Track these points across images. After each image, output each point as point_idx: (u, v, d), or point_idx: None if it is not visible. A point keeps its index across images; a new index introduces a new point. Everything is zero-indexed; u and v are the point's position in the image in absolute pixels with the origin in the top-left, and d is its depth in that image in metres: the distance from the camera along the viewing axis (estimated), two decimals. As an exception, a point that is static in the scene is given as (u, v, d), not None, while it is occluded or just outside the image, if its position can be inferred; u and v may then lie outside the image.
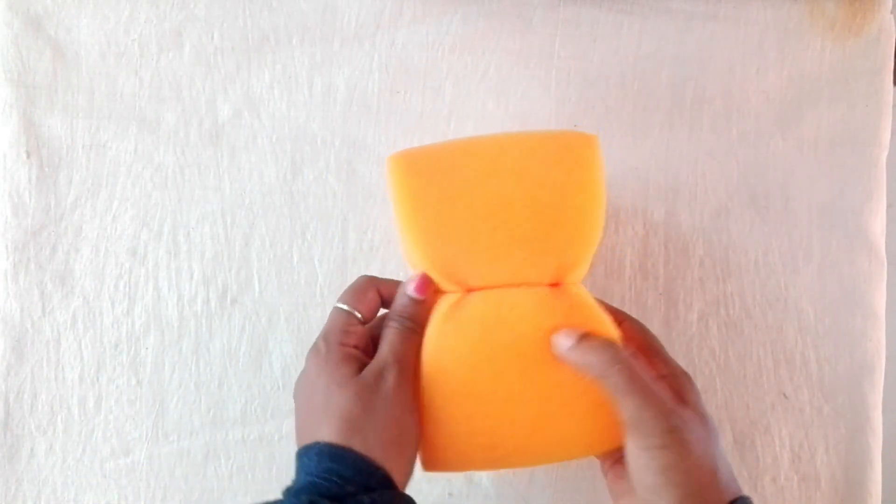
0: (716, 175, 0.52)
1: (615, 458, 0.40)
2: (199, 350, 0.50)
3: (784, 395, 0.52)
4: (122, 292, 0.50)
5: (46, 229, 0.50)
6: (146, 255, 0.50)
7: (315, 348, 0.39)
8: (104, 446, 0.50)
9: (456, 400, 0.38)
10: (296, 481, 0.36)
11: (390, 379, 0.37)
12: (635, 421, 0.36)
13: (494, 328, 0.39)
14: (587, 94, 0.52)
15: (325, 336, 0.39)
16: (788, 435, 0.52)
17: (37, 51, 0.50)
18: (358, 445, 0.35)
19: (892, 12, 0.53)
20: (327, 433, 0.36)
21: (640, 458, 0.36)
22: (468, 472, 0.51)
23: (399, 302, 0.40)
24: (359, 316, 0.40)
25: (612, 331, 0.39)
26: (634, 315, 0.43)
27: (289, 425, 0.50)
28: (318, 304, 0.51)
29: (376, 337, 0.40)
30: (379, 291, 0.41)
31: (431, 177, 0.39)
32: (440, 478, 0.50)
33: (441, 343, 0.39)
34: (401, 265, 0.51)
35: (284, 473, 0.50)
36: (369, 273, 0.43)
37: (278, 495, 0.35)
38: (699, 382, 0.51)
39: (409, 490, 0.36)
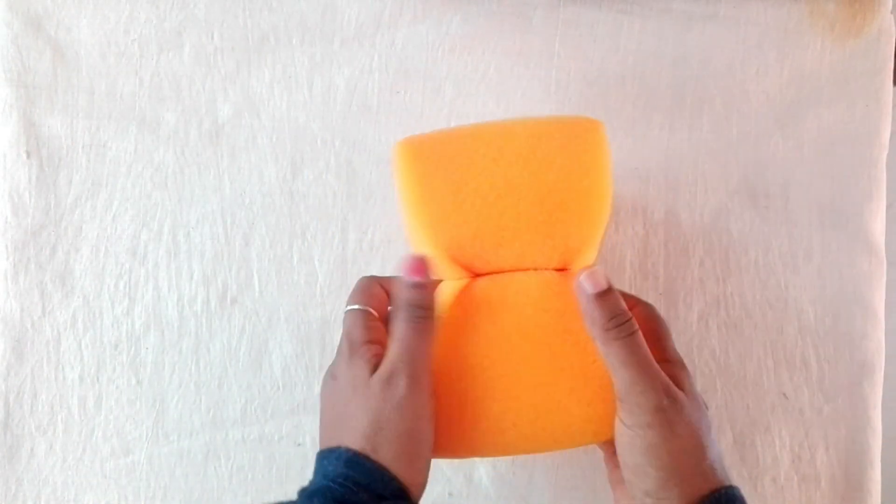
0: (716, 175, 0.52)
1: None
2: (199, 350, 0.50)
3: (784, 395, 0.52)
4: (122, 292, 0.50)
5: (46, 229, 0.50)
6: (146, 255, 0.50)
7: (339, 349, 0.38)
8: (104, 446, 0.50)
9: (463, 384, 0.38)
10: (312, 482, 0.35)
11: (402, 385, 0.36)
12: (625, 395, 0.36)
13: (501, 312, 0.39)
14: (587, 94, 0.52)
15: (348, 335, 0.38)
16: (788, 435, 0.52)
17: (37, 51, 0.50)
18: (373, 454, 0.35)
19: (892, 12, 0.53)
20: (349, 439, 0.35)
21: (625, 435, 0.36)
22: (468, 472, 0.51)
23: (401, 293, 0.38)
24: (373, 313, 0.39)
25: None
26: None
27: (289, 425, 0.50)
28: (318, 304, 0.51)
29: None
30: (383, 287, 0.41)
31: (438, 162, 0.39)
32: (440, 477, 0.50)
33: (448, 328, 0.39)
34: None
35: (284, 473, 0.50)
36: (369, 273, 0.43)
37: (278, 495, 0.35)
38: (699, 382, 0.52)
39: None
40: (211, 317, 0.51)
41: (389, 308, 0.41)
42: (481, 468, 0.51)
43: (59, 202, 0.50)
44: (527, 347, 0.38)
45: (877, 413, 0.52)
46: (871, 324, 0.53)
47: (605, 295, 0.37)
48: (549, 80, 0.52)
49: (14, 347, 0.50)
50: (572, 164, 0.39)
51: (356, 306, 0.39)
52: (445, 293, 0.40)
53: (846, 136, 0.53)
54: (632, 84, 0.52)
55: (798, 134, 0.53)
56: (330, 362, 0.40)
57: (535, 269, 0.40)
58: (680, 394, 0.36)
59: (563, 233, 0.39)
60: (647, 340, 0.39)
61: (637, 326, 0.37)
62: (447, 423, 0.38)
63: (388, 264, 0.51)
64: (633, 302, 0.41)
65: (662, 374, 0.37)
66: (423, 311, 0.38)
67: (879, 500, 0.52)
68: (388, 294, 0.41)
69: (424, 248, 0.40)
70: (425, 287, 0.38)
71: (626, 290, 0.51)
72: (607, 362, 0.37)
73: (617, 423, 0.37)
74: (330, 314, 0.51)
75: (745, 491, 0.36)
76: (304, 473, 0.42)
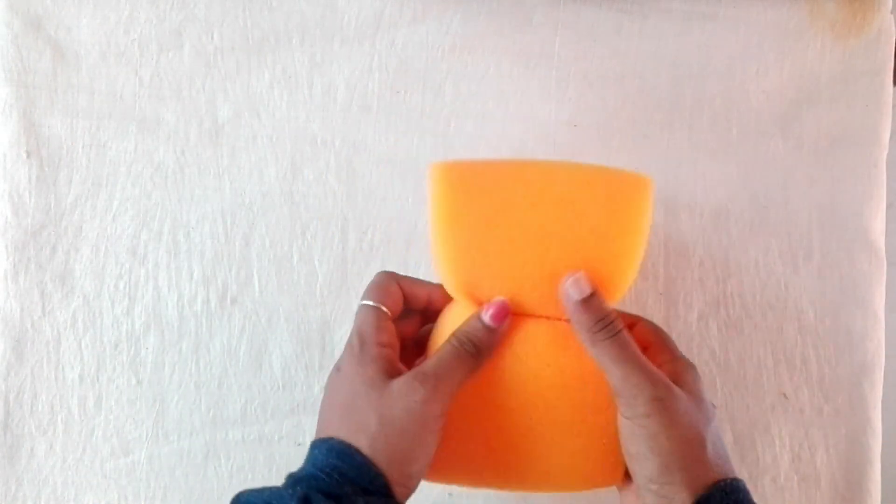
0: (716, 175, 0.52)
1: None
2: (199, 350, 0.50)
3: (784, 395, 0.52)
4: (122, 292, 0.50)
5: (46, 229, 0.50)
6: (146, 255, 0.50)
7: (349, 344, 0.38)
8: (104, 446, 0.50)
9: (462, 417, 0.38)
10: (300, 469, 0.36)
11: (421, 393, 0.36)
12: (621, 390, 0.36)
13: (504, 357, 0.38)
14: (587, 94, 0.52)
15: (360, 332, 0.38)
16: (788, 435, 0.52)
17: (37, 51, 0.50)
18: (366, 449, 0.35)
19: (892, 12, 0.53)
20: (342, 430, 0.36)
21: (626, 426, 0.37)
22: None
23: (470, 324, 0.38)
24: (387, 312, 0.39)
25: None
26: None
27: (289, 425, 0.50)
28: (318, 304, 0.51)
29: (402, 335, 0.40)
30: (400, 286, 0.40)
31: (474, 194, 0.38)
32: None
33: None
34: (401, 265, 0.51)
35: (284, 473, 0.50)
36: (370, 273, 0.43)
37: (278, 495, 0.35)
38: (699, 382, 0.52)
39: (410, 488, 0.36)
40: (211, 317, 0.51)
41: (404, 309, 0.41)
42: (481, 468, 0.51)
43: (59, 202, 0.50)
44: (526, 396, 0.38)
45: (877, 413, 0.52)
46: (871, 324, 0.53)
47: (590, 299, 0.37)
48: (549, 80, 0.52)
49: (14, 347, 0.50)
50: (611, 221, 0.38)
51: (370, 302, 0.39)
52: (451, 318, 0.40)
53: (846, 136, 0.53)
54: (632, 84, 0.52)
55: (798, 134, 0.53)
56: (330, 362, 0.40)
57: (547, 318, 0.39)
58: (675, 387, 0.37)
59: None
60: (653, 348, 0.40)
61: (623, 325, 0.37)
62: (444, 450, 0.38)
63: (388, 264, 0.51)
64: (634, 320, 0.41)
65: (655, 368, 0.37)
66: (478, 350, 0.38)
67: (879, 500, 0.52)
68: (403, 293, 0.41)
69: (440, 270, 0.39)
70: (495, 333, 0.38)
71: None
72: (599, 363, 0.37)
73: (618, 416, 0.37)
74: (330, 314, 0.51)
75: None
76: (304, 473, 0.42)
